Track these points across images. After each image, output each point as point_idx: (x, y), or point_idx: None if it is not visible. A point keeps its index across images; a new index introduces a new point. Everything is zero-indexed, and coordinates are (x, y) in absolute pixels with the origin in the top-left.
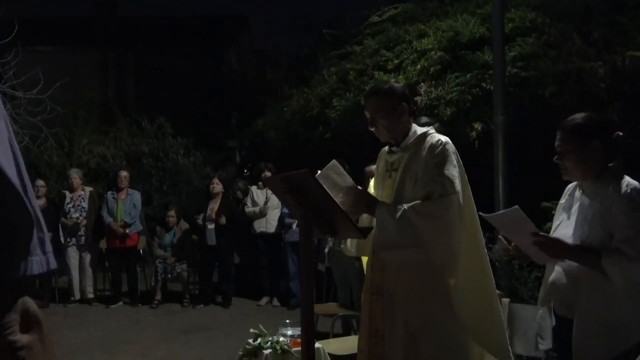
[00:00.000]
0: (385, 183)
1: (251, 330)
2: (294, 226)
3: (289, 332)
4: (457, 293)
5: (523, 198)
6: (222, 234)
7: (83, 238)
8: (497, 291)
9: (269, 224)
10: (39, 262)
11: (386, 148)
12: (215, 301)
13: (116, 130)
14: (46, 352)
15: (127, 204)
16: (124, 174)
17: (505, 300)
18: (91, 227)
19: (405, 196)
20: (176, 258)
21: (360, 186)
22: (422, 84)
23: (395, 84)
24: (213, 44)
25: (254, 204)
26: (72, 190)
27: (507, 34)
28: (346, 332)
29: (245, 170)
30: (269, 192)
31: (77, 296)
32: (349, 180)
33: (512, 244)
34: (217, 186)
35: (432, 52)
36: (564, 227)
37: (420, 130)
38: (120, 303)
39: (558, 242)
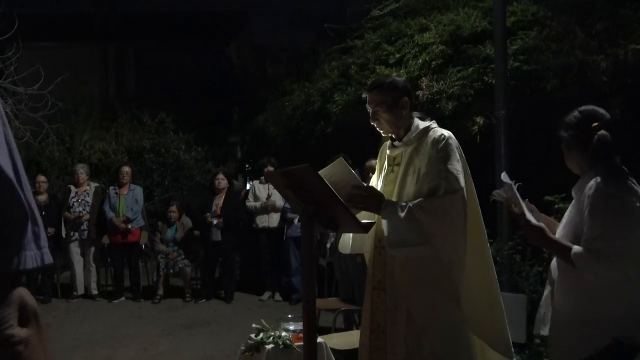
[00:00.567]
0: (387, 178)
1: (253, 325)
2: (296, 221)
3: (291, 327)
4: (462, 288)
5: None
6: (226, 230)
7: (86, 233)
8: None
9: (271, 218)
10: (33, 256)
11: (388, 142)
12: (217, 296)
13: (117, 125)
14: (43, 346)
15: (129, 200)
16: (126, 169)
17: None
18: (94, 221)
19: (408, 191)
20: (180, 254)
21: (363, 182)
22: (423, 78)
23: (397, 78)
24: (214, 39)
25: (256, 198)
26: (77, 185)
27: (509, 27)
28: (348, 327)
29: (247, 166)
30: (271, 187)
31: (80, 291)
32: (356, 178)
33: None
34: (223, 181)
35: (434, 46)
36: (562, 223)
37: (422, 124)
38: (123, 298)
39: (538, 230)
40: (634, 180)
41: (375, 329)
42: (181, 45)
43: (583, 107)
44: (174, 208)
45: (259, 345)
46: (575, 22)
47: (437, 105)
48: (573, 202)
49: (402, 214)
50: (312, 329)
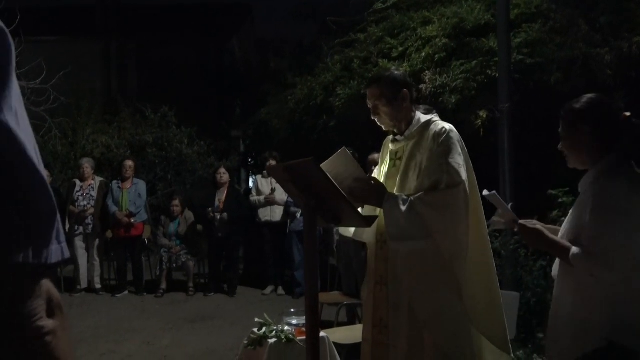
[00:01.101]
0: (389, 172)
1: (256, 319)
2: (299, 215)
3: (294, 321)
4: (463, 282)
5: (528, 186)
6: (230, 225)
7: (90, 227)
8: None
9: (273, 212)
10: (56, 250)
11: (390, 137)
12: (220, 290)
13: (120, 120)
14: (66, 337)
15: (132, 194)
16: (129, 163)
17: None
18: (98, 216)
19: (409, 185)
20: (183, 248)
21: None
22: (426, 71)
23: (396, 71)
24: (216, 32)
25: (259, 193)
26: (82, 179)
27: (513, 20)
28: (351, 321)
29: (250, 160)
30: (274, 181)
31: (84, 285)
32: (358, 169)
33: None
34: (225, 176)
35: (437, 40)
36: (566, 219)
37: (424, 118)
38: (126, 292)
39: (536, 232)
40: None
41: (378, 323)
42: (184, 39)
43: (588, 98)
44: (176, 202)
45: (261, 340)
46: (579, 14)
47: (440, 99)
48: (579, 197)
49: (404, 208)
50: (314, 323)
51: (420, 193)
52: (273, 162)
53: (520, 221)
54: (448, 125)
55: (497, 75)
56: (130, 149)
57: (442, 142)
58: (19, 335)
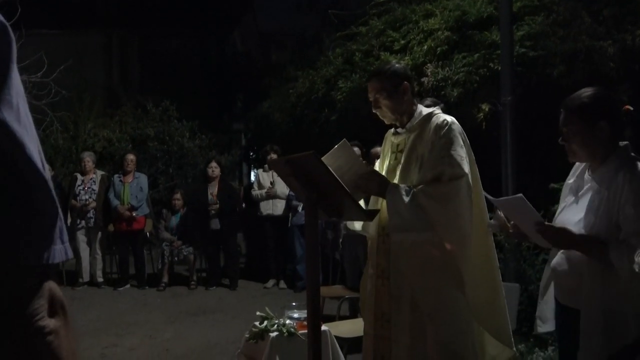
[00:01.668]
0: (391, 165)
1: (257, 313)
2: (301, 208)
3: (295, 315)
4: (466, 275)
5: (531, 179)
6: (224, 218)
7: (92, 221)
8: None
9: (275, 206)
10: (59, 250)
11: (392, 130)
12: (221, 284)
13: (121, 113)
14: (69, 336)
15: (133, 187)
16: (130, 157)
17: None
18: (100, 209)
19: (411, 178)
20: (182, 241)
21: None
22: (428, 64)
23: (397, 64)
24: (218, 25)
25: (260, 186)
26: (84, 173)
27: (515, 12)
28: (353, 315)
29: (251, 153)
30: (275, 174)
31: (86, 279)
32: (359, 162)
33: (512, 222)
34: (216, 170)
35: (439, 32)
36: (570, 212)
37: (425, 110)
38: (128, 286)
39: (563, 232)
40: None
41: (380, 317)
42: (185, 32)
43: (594, 91)
44: (178, 196)
45: (263, 333)
46: (582, 7)
47: (442, 92)
48: (588, 187)
49: (407, 199)
50: (316, 317)
51: (423, 185)
52: (274, 156)
53: (546, 223)
54: (450, 118)
55: (500, 68)
56: (132, 143)
57: (444, 134)
58: (20, 335)
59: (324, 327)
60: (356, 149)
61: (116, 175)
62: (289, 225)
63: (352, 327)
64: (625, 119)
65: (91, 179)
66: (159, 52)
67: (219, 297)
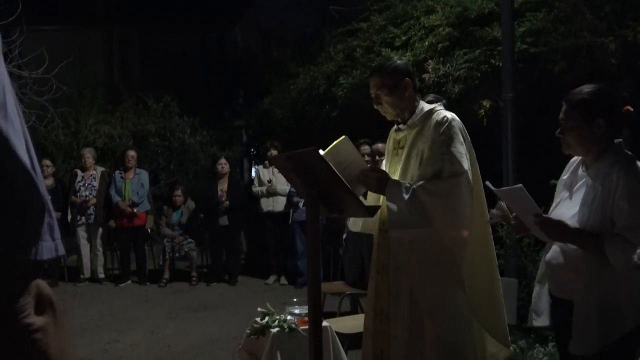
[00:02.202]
0: (392, 161)
1: (259, 309)
2: (302, 205)
3: (296, 311)
4: (466, 272)
5: (532, 175)
6: (232, 214)
7: (92, 217)
8: None
9: (275, 203)
10: (48, 247)
11: (395, 126)
12: (223, 280)
13: (122, 109)
14: (59, 334)
15: (134, 184)
16: (131, 153)
17: None
18: (101, 205)
19: (411, 174)
20: (185, 237)
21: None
22: (429, 60)
23: (398, 61)
24: (219, 21)
25: (261, 183)
26: (84, 169)
27: (517, 9)
28: (354, 311)
29: (252, 150)
30: (275, 170)
31: (87, 275)
32: (359, 158)
33: (514, 214)
34: (225, 166)
35: (440, 28)
36: (564, 207)
37: (427, 107)
38: (129, 282)
39: (560, 225)
40: None
41: (379, 312)
42: (186, 28)
43: (596, 88)
44: (178, 192)
45: (264, 329)
46: (583, 3)
47: (444, 89)
48: (582, 183)
49: (406, 196)
50: (317, 313)
51: (423, 181)
52: (274, 152)
53: (544, 215)
54: (450, 114)
55: (501, 64)
56: (133, 139)
57: (444, 131)
58: (5, 333)
59: (324, 323)
60: (366, 147)
61: (117, 172)
62: (290, 221)
63: (353, 323)
64: (624, 119)
65: (91, 175)
66: (160, 49)
67: (220, 293)
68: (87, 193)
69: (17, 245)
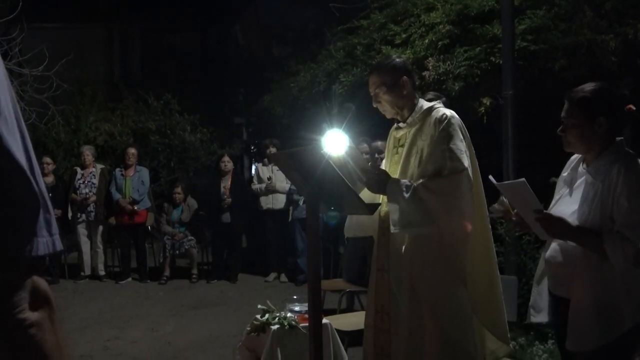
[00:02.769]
0: (392, 159)
1: (259, 306)
2: (302, 202)
3: (297, 308)
4: (467, 269)
5: (532, 173)
6: (235, 212)
7: (93, 214)
8: None
9: (275, 200)
10: (45, 243)
11: (395, 124)
12: (223, 277)
13: (123, 107)
14: (55, 330)
15: (135, 181)
16: (132, 151)
17: None
18: (101, 203)
19: (411, 172)
20: (186, 235)
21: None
22: (430, 58)
23: (397, 59)
24: (219, 19)
25: (260, 180)
26: (83, 167)
27: (517, 6)
28: (349, 308)
29: (252, 147)
30: (275, 168)
31: (87, 272)
32: (359, 155)
33: (515, 210)
34: (229, 164)
35: (441, 26)
36: (564, 204)
37: (426, 104)
38: (129, 279)
39: (560, 222)
40: None
41: (380, 310)
42: (186, 26)
43: (598, 86)
44: (178, 189)
45: (264, 326)
46: (584, 0)
47: (444, 86)
48: (582, 180)
49: (407, 194)
50: (317, 310)
51: (423, 179)
52: (273, 150)
53: (545, 211)
54: (449, 112)
55: (501, 62)
56: (133, 136)
57: (443, 128)
58: (1, 328)
59: (325, 320)
60: (364, 145)
61: (117, 169)
62: (290, 219)
63: (353, 320)
64: (625, 118)
65: (91, 172)
66: (161, 46)
67: (220, 290)
68: (87, 190)
69: (10, 241)
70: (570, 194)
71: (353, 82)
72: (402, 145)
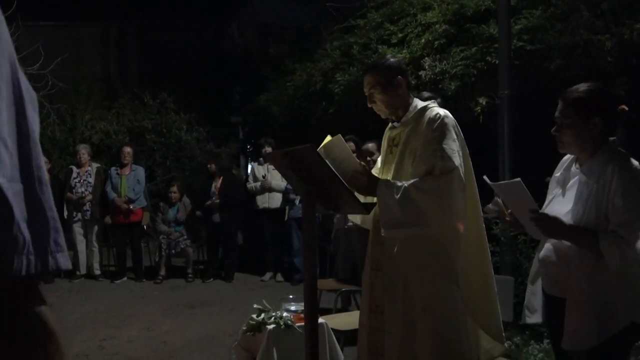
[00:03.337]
0: (387, 159)
1: (255, 305)
2: (298, 202)
3: (292, 307)
4: (460, 268)
5: (528, 173)
6: (225, 211)
7: (88, 213)
8: None
9: (271, 199)
10: (28, 262)
11: (390, 124)
12: (219, 276)
13: (118, 106)
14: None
15: (130, 180)
16: (127, 149)
17: None
18: (97, 202)
19: (405, 171)
20: (182, 234)
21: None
22: (426, 58)
23: (391, 58)
24: (215, 17)
25: (256, 179)
26: (79, 165)
27: (513, 6)
28: (345, 308)
29: (249, 146)
30: (270, 167)
31: (83, 271)
32: (351, 157)
33: (509, 210)
34: (212, 166)
35: (437, 26)
36: (558, 203)
37: (420, 104)
38: (125, 278)
39: (556, 221)
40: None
41: (374, 309)
42: (183, 24)
43: (593, 87)
44: (174, 189)
45: (260, 326)
46: (580, 1)
47: (440, 86)
48: (575, 180)
49: (397, 195)
50: (313, 310)
51: (414, 180)
52: (268, 149)
53: (540, 211)
54: (443, 111)
55: (497, 61)
56: (129, 135)
57: (437, 127)
58: None
59: (320, 320)
60: (351, 143)
61: (113, 168)
62: (286, 218)
63: (349, 319)
64: (619, 118)
65: (87, 171)
66: (157, 44)
67: (216, 289)
68: (82, 189)
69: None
70: (564, 194)
71: (349, 81)
72: (397, 145)
